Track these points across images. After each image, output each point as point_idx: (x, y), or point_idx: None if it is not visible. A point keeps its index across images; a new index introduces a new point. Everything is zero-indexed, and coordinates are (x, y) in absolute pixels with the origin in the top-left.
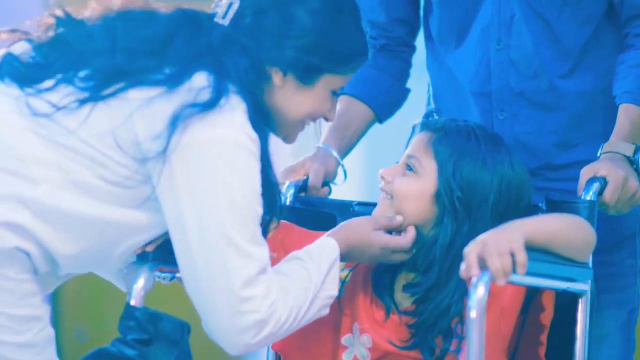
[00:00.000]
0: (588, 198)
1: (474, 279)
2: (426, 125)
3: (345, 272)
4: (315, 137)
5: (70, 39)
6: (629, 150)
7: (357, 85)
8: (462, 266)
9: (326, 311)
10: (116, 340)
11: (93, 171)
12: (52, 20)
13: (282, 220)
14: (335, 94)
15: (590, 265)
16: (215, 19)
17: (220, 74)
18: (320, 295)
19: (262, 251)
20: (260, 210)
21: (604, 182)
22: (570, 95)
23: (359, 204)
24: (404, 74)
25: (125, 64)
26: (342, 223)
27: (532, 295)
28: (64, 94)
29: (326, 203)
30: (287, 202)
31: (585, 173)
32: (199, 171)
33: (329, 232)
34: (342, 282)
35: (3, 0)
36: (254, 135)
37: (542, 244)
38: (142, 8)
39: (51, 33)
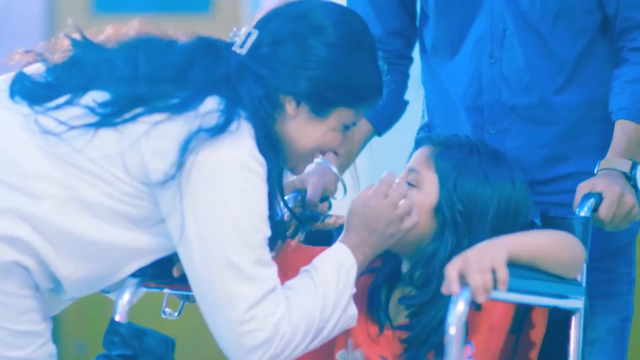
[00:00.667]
0: (582, 214)
1: (454, 296)
2: (428, 139)
3: None
4: None
5: (85, 62)
6: (625, 166)
7: None
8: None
9: (352, 322)
10: (101, 355)
11: (98, 188)
12: (67, 42)
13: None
14: (347, 128)
15: (582, 280)
16: (233, 48)
17: (233, 100)
18: (338, 302)
19: (267, 272)
20: (267, 231)
21: (599, 198)
22: (562, 109)
23: None
24: (402, 86)
25: (146, 92)
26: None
27: (524, 312)
28: (73, 115)
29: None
30: (285, 218)
31: (582, 189)
32: (204, 193)
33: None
34: None
35: (4, 19)
36: (261, 159)
37: (527, 260)
38: (161, 36)
39: (66, 55)
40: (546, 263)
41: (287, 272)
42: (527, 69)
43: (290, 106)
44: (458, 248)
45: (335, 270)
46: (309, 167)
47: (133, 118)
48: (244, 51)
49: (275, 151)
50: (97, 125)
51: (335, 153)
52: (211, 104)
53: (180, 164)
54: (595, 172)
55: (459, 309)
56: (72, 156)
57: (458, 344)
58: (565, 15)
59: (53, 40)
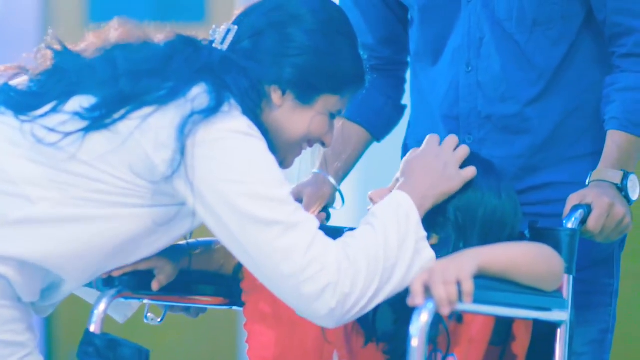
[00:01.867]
0: (570, 226)
1: (417, 307)
2: (413, 146)
3: None
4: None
5: (67, 69)
6: (616, 177)
7: (349, 107)
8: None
9: (429, 264)
10: None
11: (92, 186)
12: (49, 53)
13: None
14: (332, 117)
15: (568, 292)
16: (214, 45)
17: (220, 86)
18: (403, 240)
19: (305, 216)
20: (287, 185)
21: (589, 209)
22: (538, 119)
23: (351, 230)
24: (398, 91)
25: (129, 87)
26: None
27: (505, 325)
28: (60, 121)
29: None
30: None
31: (572, 200)
32: (214, 168)
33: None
34: None
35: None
36: (259, 133)
37: (499, 272)
38: (139, 39)
39: (48, 64)
40: (520, 275)
41: None
42: (503, 77)
43: (275, 95)
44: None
45: (394, 211)
46: (298, 169)
47: (123, 117)
48: (225, 47)
49: (267, 143)
50: (88, 130)
51: (323, 144)
52: (199, 89)
53: (181, 149)
54: (587, 183)
55: (422, 321)
56: (64, 162)
57: (420, 356)
58: (542, 23)
59: (35, 51)
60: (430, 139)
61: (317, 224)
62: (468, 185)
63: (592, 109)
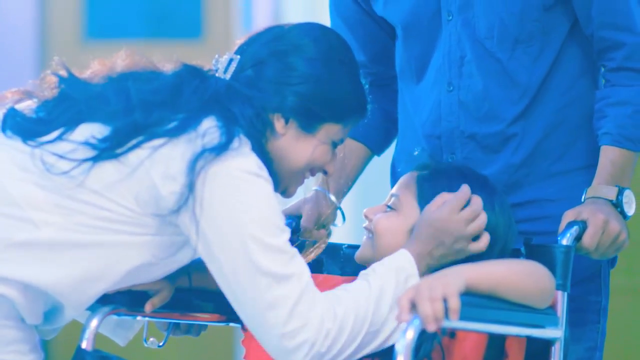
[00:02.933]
0: (565, 242)
1: (403, 324)
2: (412, 164)
3: None
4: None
5: (75, 97)
6: (611, 193)
7: None
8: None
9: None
10: None
11: (95, 214)
12: (54, 79)
13: None
14: (335, 145)
15: (563, 309)
16: (217, 74)
17: (229, 119)
18: (395, 307)
19: (299, 268)
20: (287, 232)
21: (584, 226)
22: (522, 135)
23: (349, 246)
24: (394, 104)
25: (143, 118)
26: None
27: (498, 342)
28: (68, 149)
29: None
30: None
31: (567, 216)
32: (220, 207)
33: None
34: None
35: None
36: (269, 177)
37: (487, 289)
38: (147, 66)
39: (54, 91)
40: (508, 292)
41: None
42: (485, 96)
43: (279, 124)
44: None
45: (395, 274)
46: (304, 194)
47: (134, 147)
48: (228, 76)
49: (270, 171)
50: (98, 159)
51: (325, 172)
52: (209, 123)
53: (190, 184)
54: (582, 200)
55: (407, 338)
56: (71, 189)
57: None
58: (524, 41)
59: (41, 77)
60: (450, 203)
61: (308, 275)
62: None
63: (575, 123)
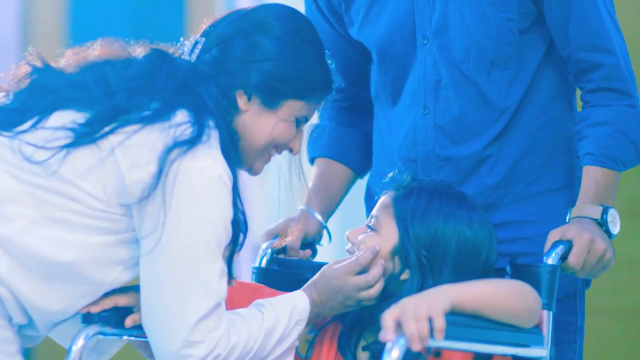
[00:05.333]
0: (550, 262)
1: (389, 344)
2: (391, 184)
3: (313, 334)
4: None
5: (50, 85)
6: (596, 212)
7: (329, 147)
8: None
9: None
10: None
11: (69, 207)
12: (28, 69)
13: (251, 282)
14: (299, 122)
15: (548, 328)
16: (182, 56)
17: (200, 109)
18: (279, 344)
19: (223, 285)
20: (224, 243)
21: (569, 245)
22: (497, 157)
23: None
24: None
25: (124, 103)
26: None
27: None
28: (44, 137)
29: (302, 265)
30: (264, 264)
31: (552, 236)
32: (183, 204)
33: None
34: (310, 343)
35: None
36: (229, 172)
37: (473, 309)
38: (120, 55)
39: (27, 81)
40: (494, 312)
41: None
42: (462, 120)
43: (241, 100)
44: (423, 289)
45: (289, 314)
46: (292, 214)
47: (111, 131)
48: (193, 58)
49: (237, 150)
50: (76, 144)
51: (291, 150)
52: (182, 117)
53: (160, 174)
54: (567, 220)
55: (393, 357)
56: (45, 179)
57: None
58: (500, 63)
59: (14, 68)
60: (348, 265)
61: (224, 295)
62: (437, 220)
63: (551, 145)
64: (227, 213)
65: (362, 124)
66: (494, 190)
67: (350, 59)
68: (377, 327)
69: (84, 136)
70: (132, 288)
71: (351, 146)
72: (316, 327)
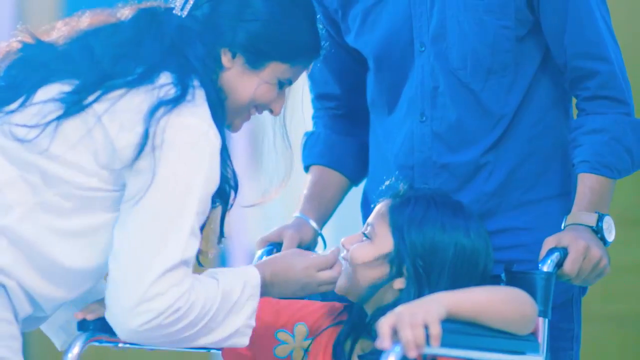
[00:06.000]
0: (545, 269)
1: (385, 351)
2: (387, 192)
3: (308, 342)
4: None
5: (39, 60)
6: (591, 220)
7: (324, 154)
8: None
9: (243, 341)
10: None
11: (62, 188)
12: (18, 45)
13: None
14: (282, 85)
15: (543, 335)
16: (174, 12)
17: (185, 70)
18: (235, 312)
19: (196, 244)
20: (209, 206)
21: (564, 252)
22: (494, 164)
23: None
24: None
25: (109, 69)
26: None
27: None
28: (34, 113)
29: None
30: None
31: (548, 243)
32: (168, 155)
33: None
34: (305, 351)
35: None
36: (217, 132)
37: (469, 316)
38: (107, 22)
39: (17, 56)
40: (490, 319)
41: None
42: (459, 127)
43: (225, 57)
44: (420, 297)
45: (242, 285)
46: (288, 221)
47: (98, 98)
48: (184, 13)
49: (223, 108)
50: (65, 115)
51: (271, 111)
52: (165, 79)
53: (146, 134)
54: (562, 227)
55: None
56: (36, 159)
57: None
58: (497, 71)
59: (5, 45)
60: (314, 261)
61: (194, 254)
62: (434, 229)
63: (547, 153)
64: (212, 171)
65: (357, 132)
66: (491, 198)
67: (346, 66)
68: (372, 336)
69: (72, 105)
70: None
71: (346, 154)
72: (311, 334)
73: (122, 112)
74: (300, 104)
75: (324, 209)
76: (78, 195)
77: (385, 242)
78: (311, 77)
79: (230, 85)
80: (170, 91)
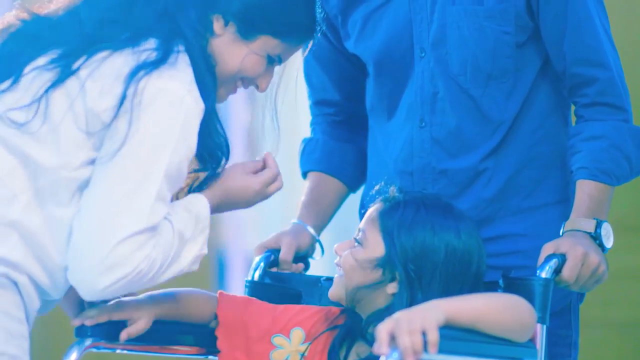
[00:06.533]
0: (544, 275)
1: (383, 357)
2: (378, 197)
3: (305, 346)
4: None
5: (32, 31)
6: (590, 226)
7: (323, 161)
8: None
9: (194, 268)
10: None
11: (56, 174)
12: (13, 20)
13: (243, 296)
14: (271, 61)
15: (542, 342)
16: None
17: (172, 35)
18: (190, 245)
19: (163, 210)
20: (185, 172)
21: (563, 259)
22: (493, 170)
23: (327, 279)
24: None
25: (93, 31)
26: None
27: None
28: (24, 89)
29: (294, 279)
30: (256, 277)
31: (546, 250)
32: (144, 116)
33: None
34: (302, 355)
35: None
36: (199, 97)
37: (467, 323)
38: None
39: (12, 30)
40: (488, 326)
41: (249, 329)
42: (458, 132)
43: (218, 24)
44: (413, 302)
45: (195, 221)
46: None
47: (84, 63)
48: None
49: (212, 74)
50: (54, 85)
51: (257, 87)
52: (150, 44)
53: (124, 94)
54: (560, 233)
55: None
56: (28, 145)
57: None
58: (497, 77)
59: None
60: (260, 177)
61: (162, 219)
62: (425, 231)
63: (546, 160)
64: (186, 136)
65: (355, 139)
66: (490, 204)
67: (345, 73)
68: (367, 340)
69: (60, 72)
70: (127, 303)
71: (344, 160)
72: (308, 339)
73: (103, 76)
74: (294, 95)
75: (321, 215)
76: (71, 179)
77: (376, 247)
78: (309, 83)
79: (218, 53)
80: (152, 55)
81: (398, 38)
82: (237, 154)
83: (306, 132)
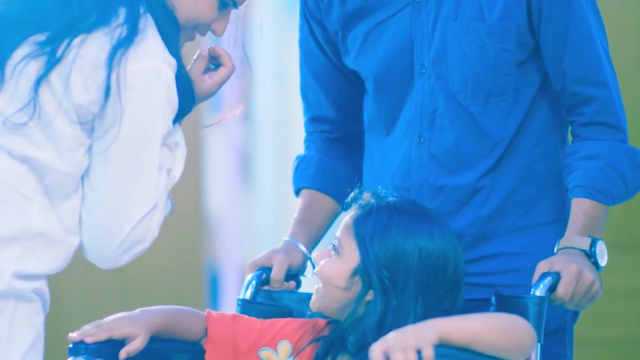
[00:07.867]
0: (538, 293)
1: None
2: (352, 204)
3: (292, 359)
4: None
5: (13, 14)
6: (584, 244)
7: (316, 178)
8: None
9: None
10: None
11: (58, 175)
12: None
13: (232, 313)
14: (225, 5)
15: None
16: None
17: None
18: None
19: (164, 179)
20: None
21: (557, 277)
22: (491, 188)
23: None
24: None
25: (76, 10)
26: None
27: None
28: (14, 87)
29: (285, 297)
30: (248, 296)
31: (540, 268)
32: (129, 100)
33: None
34: None
35: None
36: (170, 57)
37: (462, 342)
38: None
39: None
40: (484, 346)
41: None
42: (457, 149)
43: None
44: (388, 310)
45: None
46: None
47: (67, 47)
48: None
49: (175, 25)
50: (44, 76)
51: (214, 32)
52: (119, 18)
53: (108, 85)
54: (555, 251)
55: None
56: (30, 149)
57: None
58: (497, 94)
59: None
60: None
61: (165, 192)
62: (397, 236)
63: (544, 178)
64: (171, 102)
65: (349, 157)
66: (487, 222)
67: (342, 90)
68: (349, 351)
69: (47, 60)
70: (124, 319)
71: (338, 178)
72: (294, 352)
73: (84, 68)
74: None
75: (314, 233)
76: (76, 172)
77: (352, 256)
78: (306, 100)
79: (173, 1)
80: (124, 30)
81: (399, 54)
82: (232, 173)
83: (299, 149)
